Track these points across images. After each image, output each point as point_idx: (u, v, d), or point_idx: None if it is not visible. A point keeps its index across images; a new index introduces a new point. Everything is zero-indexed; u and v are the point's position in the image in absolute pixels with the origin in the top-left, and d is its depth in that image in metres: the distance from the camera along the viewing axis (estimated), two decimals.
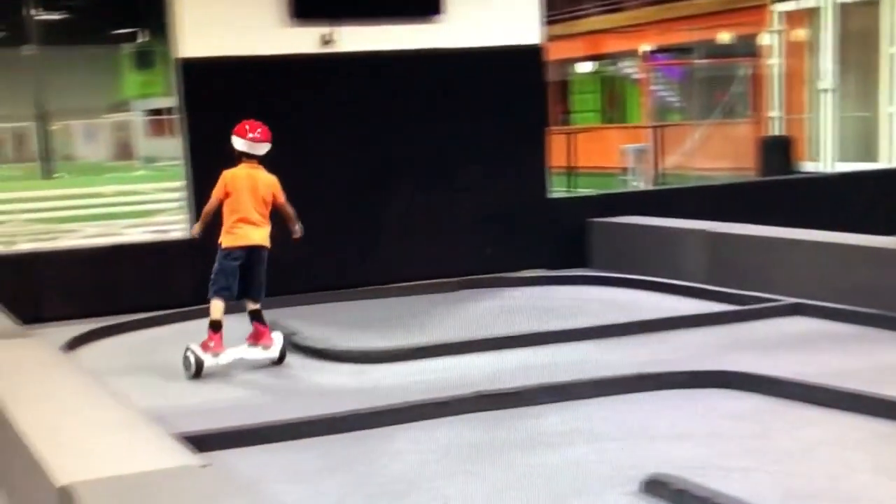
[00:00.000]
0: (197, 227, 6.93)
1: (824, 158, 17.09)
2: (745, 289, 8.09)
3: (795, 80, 18.26)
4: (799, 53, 18.26)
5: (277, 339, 6.74)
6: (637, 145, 18.68)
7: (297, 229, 6.87)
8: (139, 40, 44.13)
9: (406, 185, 9.52)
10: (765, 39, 19.10)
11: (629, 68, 26.93)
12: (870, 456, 4.63)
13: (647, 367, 6.09)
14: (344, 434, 5.26)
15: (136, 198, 16.82)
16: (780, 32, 18.62)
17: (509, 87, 9.82)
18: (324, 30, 9.22)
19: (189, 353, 6.52)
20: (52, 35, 35.02)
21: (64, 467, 3.38)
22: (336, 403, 5.62)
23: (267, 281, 6.83)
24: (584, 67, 27.69)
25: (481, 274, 9.46)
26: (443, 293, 9.06)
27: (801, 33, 18.26)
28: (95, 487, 3.17)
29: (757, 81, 19.58)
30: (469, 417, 5.47)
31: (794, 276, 7.99)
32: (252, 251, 6.68)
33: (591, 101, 28.53)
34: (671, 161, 19.04)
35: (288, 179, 9.04)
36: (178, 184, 16.39)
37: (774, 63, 18.66)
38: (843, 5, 17.12)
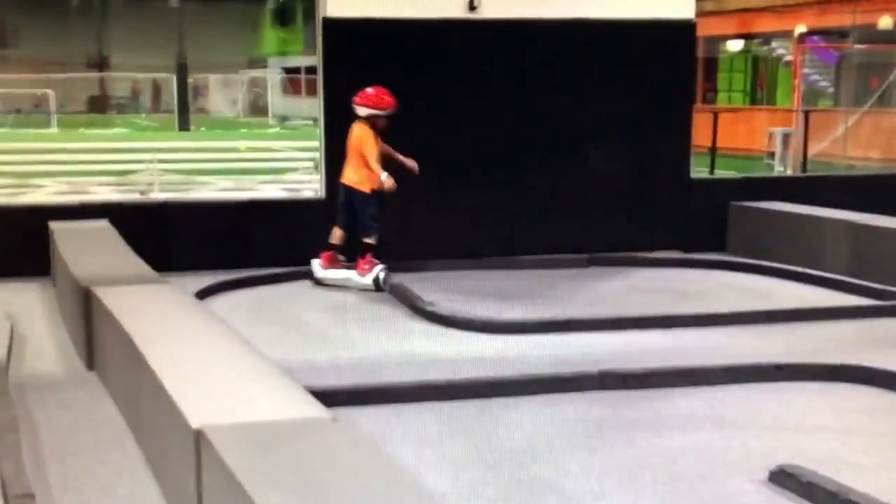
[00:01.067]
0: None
1: None
2: (886, 283, 7.94)
3: None
4: None
5: (372, 271, 8.20)
6: (785, 129, 18.30)
7: (409, 165, 8.35)
8: None
9: (550, 157, 9.55)
10: None
11: (781, 49, 26.35)
12: None
13: (781, 358, 6.06)
14: (466, 401, 5.37)
15: (270, 155, 17.21)
16: None
17: (658, 62, 9.73)
18: None
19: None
20: None
21: (199, 411, 3.57)
22: (459, 370, 5.75)
23: (381, 227, 8.35)
24: (734, 45, 27.16)
25: (614, 252, 9.46)
26: (574, 269, 9.09)
27: None
28: (229, 432, 3.34)
29: None
30: (594, 395, 5.53)
31: None
32: (346, 189, 8.33)
33: (738, 80, 28.02)
34: (819, 148, 18.61)
35: (424, 144, 9.27)
36: (311, 143, 16.79)
37: None
38: None
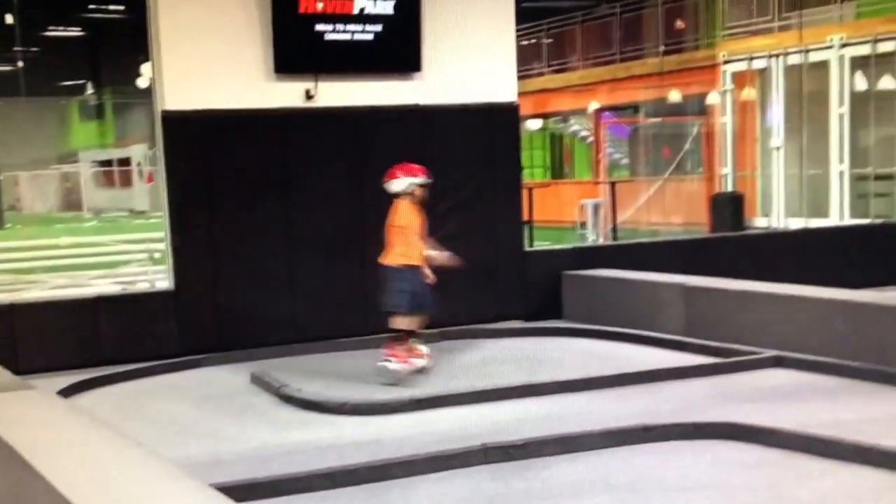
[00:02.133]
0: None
1: (775, 214, 17.39)
2: (720, 341, 8.16)
3: (745, 138, 18.62)
4: (749, 112, 18.64)
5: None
6: (593, 200, 18.86)
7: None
8: (88, 91, 43.76)
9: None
10: (715, 98, 19.47)
11: (576, 125, 27.27)
12: None
13: (644, 418, 6.09)
14: (357, 486, 5.19)
15: (101, 249, 16.57)
16: (730, 92, 18.99)
17: (488, 142, 9.88)
18: (306, 85, 9.23)
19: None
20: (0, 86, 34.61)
21: None
22: (342, 456, 5.56)
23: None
24: (533, 125, 27.96)
25: (458, 325, 9.43)
26: (427, 344, 8.99)
27: (750, 93, 18.64)
28: None
29: (708, 139, 19.92)
30: (479, 469, 5.43)
31: (770, 328, 8.07)
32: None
33: (539, 157, 28.84)
34: (626, 216, 19.26)
35: (270, 230, 9.11)
36: (141, 235, 16.30)
37: (725, 121, 19.01)
38: (792, 66, 17.53)
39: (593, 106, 24.85)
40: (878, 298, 7.89)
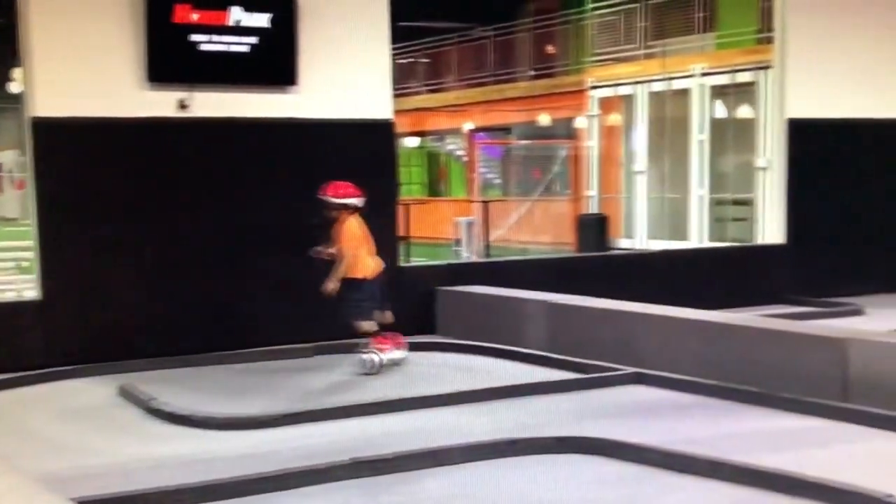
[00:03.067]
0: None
1: (637, 236, 17.78)
2: (582, 357, 8.27)
3: (611, 161, 19.00)
4: (614, 137, 19.03)
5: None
6: (467, 218, 19.00)
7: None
8: None
9: (259, 252, 9.39)
10: (583, 122, 19.83)
11: (452, 145, 27.44)
12: None
13: (511, 432, 6.14)
14: (225, 500, 5.08)
15: None
16: (596, 116, 19.37)
17: (362, 159, 9.84)
18: (180, 94, 9.06)
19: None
20: None
21: None
22: (211, 470, 5.45)
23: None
24: (411, 142, 28.04)
25: (334, 340, 9.34)
26: (300, 358, 8.92)
27: (616, 118, 19.04)
28: None
29: (575, 162, 20.26)
30: (347, 484, 5.38)
31: (630, 345, 8.23)
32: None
33: (417, 174, 28.94)
34: (497, 234, 19.44)
35: (142, 240, 8.89)
36: (10, 243, 15.70)
37: (592, 145, 19.37)
38: (656, 93, 17.97)
39: (468, 126, 25.05)
40: (734, 319, 8.12)
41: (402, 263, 10.40)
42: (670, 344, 8.02)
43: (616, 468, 5.64)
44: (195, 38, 9.00)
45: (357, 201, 8.40)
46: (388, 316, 8.48)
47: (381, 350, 8.31)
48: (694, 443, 5.87)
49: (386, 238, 10.02)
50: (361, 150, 9.82)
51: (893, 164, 12.10)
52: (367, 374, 8.15)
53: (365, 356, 8.25)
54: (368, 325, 8.29)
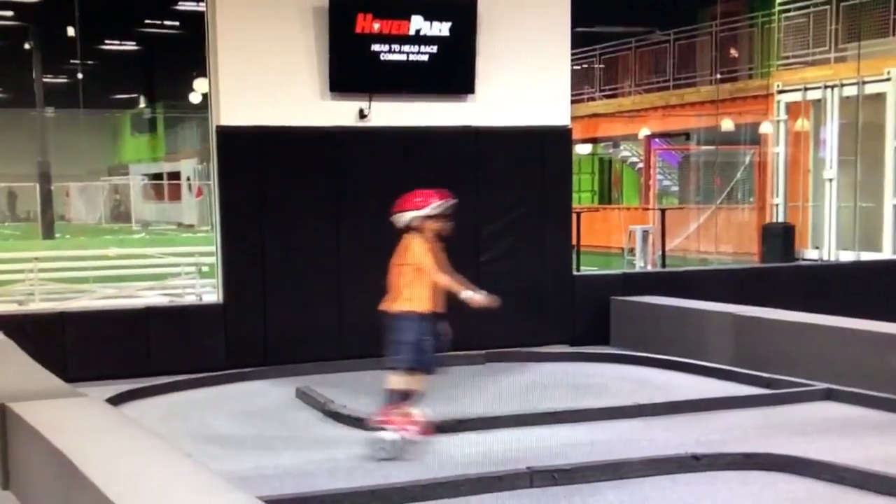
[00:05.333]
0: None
1: (826, 246, 17.22)
2: (770, 372, 8.08)
3: (798, 168, 18.48)
4: (802, 143, 18.49)
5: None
6: (643, 226, 18.79)
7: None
8: (140, 105, 44.33)
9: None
10: (768, 128, 19.35)
11: (626, 151, 27.20)
12: None
13: (693, 448, 6.05)
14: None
15: (150, 261, 16.74)
16: (783, 121, 18.87)
17: (539, 166, 9.89)
18: (360, 104, 9.28)
19: None
20: (58, 98, 35.17)
21: None
22: (385, 474, 5.57)
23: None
24: (582, 149, 27.96)
25: (504, 347, 9.40)
26: (472, 365, 9.00)
27: (804, 123, 18.51)
28: None
29: (760, 169, 19.78)
30: (525, 493, 5.42)
31: (821, 360, 7.99)
32: None
33: (587, 181, 28.79)
34: (674, 243, 19.16)
35: (320, 246, 9.15)
36: (190, 248, 16.42)
37: (778, 151, 18.88)
38: (847, 98, 17.39)
39: (644, 132, 24.77)
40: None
41: (575, 272, 10.32)
42: (863, 359, 7.75)
43: (807, 486, 5.50)
44: (376, 47, 9.20)
45: (414, 215, 6.44)
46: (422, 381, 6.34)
47: (406, 428, 6.16)
48: (888, 462, 5.67)
49: (560, 247, 10.07)
50: (537, 157, 9.87)
51: None
52: (383, 459, 6.04)
53: (387, 436, 6.12)
54: (405, 381, 6.24)
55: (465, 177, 9.64)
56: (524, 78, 9.79)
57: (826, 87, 17.77)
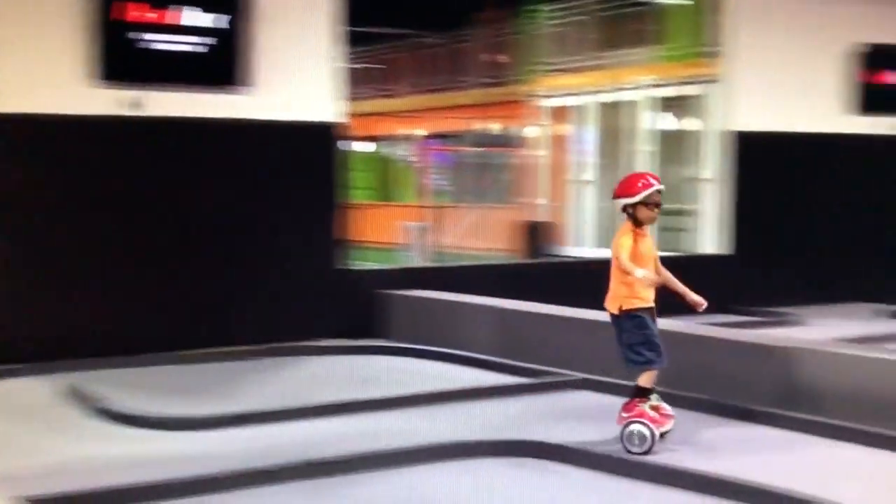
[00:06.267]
0: None
1: (584, 244, 17.86)
2: (534, 363, 8.28)
3: (559, 170, 19.08)
4: (564, 146, 19.11)
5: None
6: (418, 223, 18.99)
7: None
8: None
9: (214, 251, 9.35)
10: (533, 132, 19.90)
11: (405, 151, 27.41)
12: None
13: (461, 436, 6.13)
14: (180, 499, 5.02)
15: None
16: (546, 126, 19.45)
17: (312, 161, 9.82)
18: (132, 93, 8.95)
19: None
20: None
21: None
22: (159, 471, 5.37)
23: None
24: (363, 147, 27.97)
25: (273, 342, 9.27)
26: (247, 360, 8.84)
27: (566, 128, 19.12)
28: None
29: (526, 171, 20.32)
30: (297, 485, 5.34)
31: (578, 351, 8.24)
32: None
33: (366, 179, 28.84)
34: (448, 240, 19.45)
35: (87, 241, 8.78)
36: None
37: (541, 154, 19.45)
38: (605, 104, 18.08)
39: (419, 132, 25.04)
40: (677, 326, 8.16)
41: (348, 266, 10.28)
42: (615, 350, 8.03)
43: (565, 472, 5.65)
44: (148, 36, 8.91)
45: (630, 199, 6.02)
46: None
47: (654, 421, 5.93)
48: None
49: (330, 241, 10.02)
50: (308, 152, 9.81)
51: (834, 179, 12.26)
52: (633, 453, 5.82)
53: (635, 429, 5.88)
54: (648, 380, 6.04)
55: (238, 170, 9.49)
56: (300, 73, 9.68)
57: (586, 94, 18.41)
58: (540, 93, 19.60)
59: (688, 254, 13.88)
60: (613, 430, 6.40)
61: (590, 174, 18.23)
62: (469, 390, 7.54)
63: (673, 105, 16.88)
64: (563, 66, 19.36)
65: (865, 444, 6.06)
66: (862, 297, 11.97)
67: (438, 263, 16.48)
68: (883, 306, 11.54)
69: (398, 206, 24.76)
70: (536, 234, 18.42)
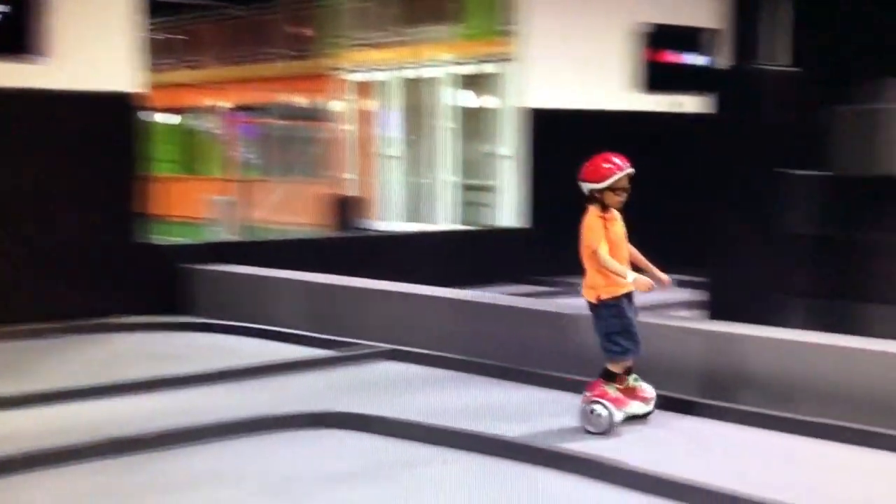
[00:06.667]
0: None
1: (392, 218, 17.98)
2: (343, 336, 8.33)
3: (366, 145, 19.11)
4: (371, 121, 19.13)
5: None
6: (226, 197, 18.68)
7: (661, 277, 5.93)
8: None
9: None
10: (339, 106, 19.84)
11: (211, 123, 26.81)
12: (479, 488, 4.99)
13: (266, 409, 6.12)
14: None
15: None
16: (353, 101, 19.42)
17: (102, 133, 9.53)
18: None
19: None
20: None
21: None
22: None
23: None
24: (167, 118, 27.19)
25: (75, 319, 8.97)
26: (47, 338, 8.53)
27: (371, 103, 19.14)
28: None
29: (333, 145, 20.26)
30: (102, 463, 5.23)
31: (385, 323, 8.35)
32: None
33: (170, 151, 28.06)
34: (255, 214, 19.20)
35: None
36: None
37: (348, 128, 19.43)
38: (409, 80, 18.19)
39: (225, 104, 24.53)
40: (479, 297, 8.38)
41: (151, 241, 10.04)
42: (421, 321, 8.19)
43: (368, 441, 5.74)
44: None
45: (596, 185, 5.85)
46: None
47: (616, 403, 5.80)
48: (446, 413, 6.05)
49: (128, 215, 9.76)
50: (104, 123, 9.53)
51: (622, 154, 12.74)
52: (595, 433, 5.73)
53: (593, 408, 5.76)
54: (617, 367, 5.86)
55: (32, 141, 9.13)
56: (97, 42, 9.38)
57: (390, 69, 18.47)
58: (345, 67, 19.53)
59: (488, 227, 14.23)
60: (416, 400, 6.56)
61: (395, 149, 18.35)
62: (277, 364, 7.53)
63: (473, 82, 17.14)
64: (366, 42, 19.35)
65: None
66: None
67: (246, 238, 16.26)
68: (669, 275, 12.10)
69: (204, 179, 24.26)
70: (345, 209, 18.42)
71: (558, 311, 7.52)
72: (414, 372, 7.54)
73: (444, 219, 16.88)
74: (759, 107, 7.90)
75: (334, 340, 8.25)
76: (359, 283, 8.92)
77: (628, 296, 5.79)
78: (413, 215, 17.74)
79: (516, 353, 7.32)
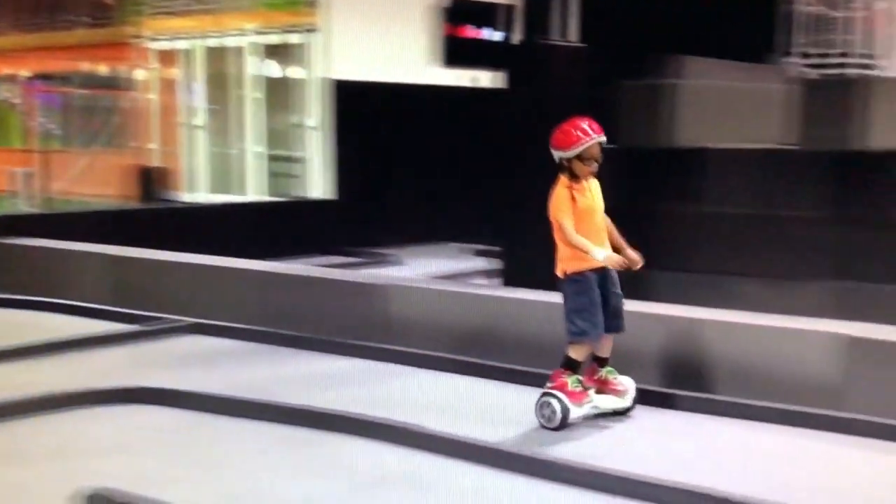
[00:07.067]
0: None
1: (198, 190, 17.58)
2: (147, 310, 8.12)
3: (170, 115, 18.57)
4: (174, 91, 18.60)
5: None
6: (25, 169, 17.82)
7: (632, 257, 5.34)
8: None
9: None
10: (142, 75, 19.20)
11: (8, 92, 25.48)
12: (282, 457, 4.99)
13: (69, 386, 5.92)
14: None
15: None
16: (156, 69, 18.83)
17: None
18: None
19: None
20: None
21: None
22: None
23: None
24: None
25: None
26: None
27: (175, 72, 18.60)
28: None
29: (137, 114, 19.61)
30: None
31: (190, 296, 8.20)
32: None
33: None
34: (57, 186, 18.41)
35: None
36: None
37: (151, 98, 18.83)
38: (212, 49, 17.76)
39: (23, 73, 23.35)
40: (286, 269, 8.33)
41: None
42: (228, 294, 8.09)
43: (174, 416, 5.64)
44: None
45: (564, 153, 5.23)
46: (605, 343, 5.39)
47: (573, 397, 5.24)
48: (251, 387, 6.00)
49: None
50: None
51: (424, 127, 12.88)
52: (545, 427, 5.22)
53: (545, 401, 5.25)
54: (579, 352, 5.31)
55: None
56: None
57: (193, 38, 17.97)
58: (147, 35, 18.90)
59: (296, 198, 14.13)
60: (221, 373, 6.49)
61: (200, 119, 17.91)
62: (78, 339, 7.28)
63: (278, 52, 16.89)
64: (167, 10, 18.77)
65: (443, 370, 6.52)
66: (452, 238, 12.74)
67: (45, 210, 15.59)
68: (468, 245, 12.30)
69: (2, 150, 23.07)
70: (149, 180, 17.91)
71: (364, 280, 7.57)
72: (220, 346, 7.43)
73: (252, 190, 16.63)
74: (546, 81, 8.11)
75: (137, 315, 8.03)
76: (163, 255, 8.73)
77: (603, 274, 5.28)
78: (220, 186, 17.39)
79: (322, 323, 7.33)
